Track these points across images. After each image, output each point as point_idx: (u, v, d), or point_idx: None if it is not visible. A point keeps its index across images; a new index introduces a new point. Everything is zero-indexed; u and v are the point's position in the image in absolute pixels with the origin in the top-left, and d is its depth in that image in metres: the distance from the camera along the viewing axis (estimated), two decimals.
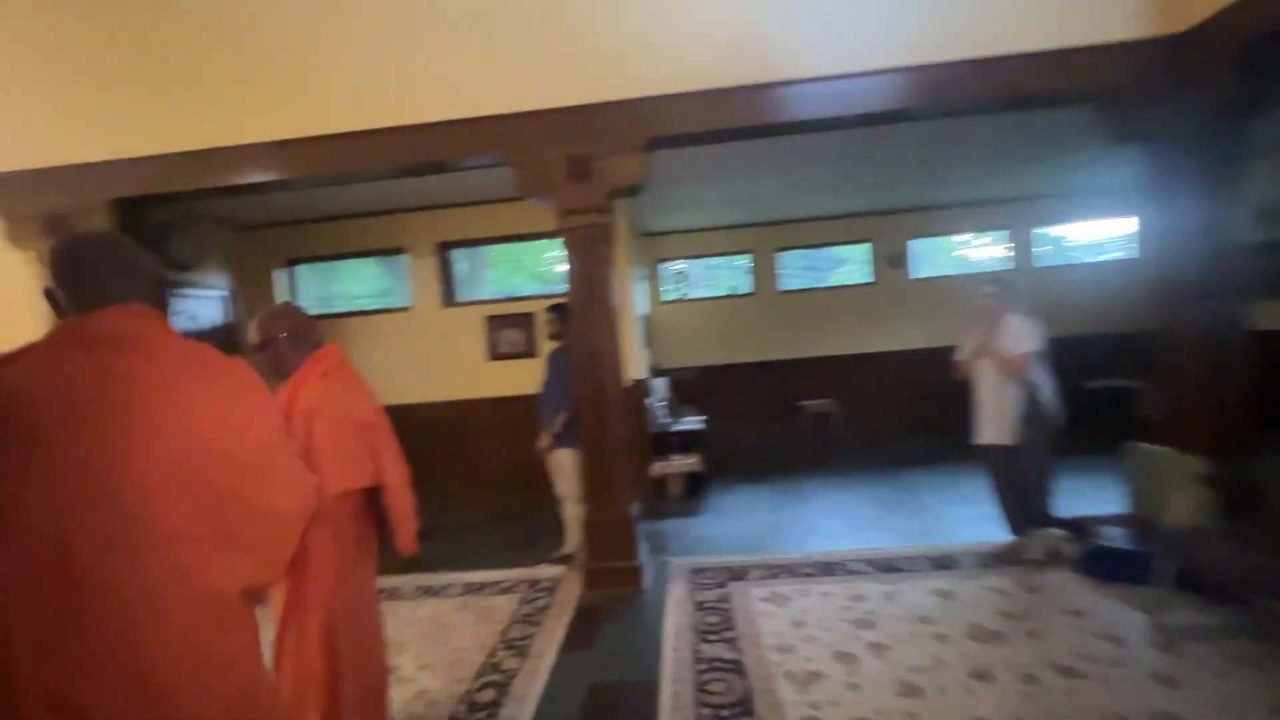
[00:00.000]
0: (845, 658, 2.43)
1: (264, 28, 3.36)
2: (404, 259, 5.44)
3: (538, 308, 4.86)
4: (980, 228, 6.90)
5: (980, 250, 7.40)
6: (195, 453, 0.93)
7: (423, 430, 5.34)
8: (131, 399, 0.92)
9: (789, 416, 6.66)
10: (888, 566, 3.28)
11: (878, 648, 2.48)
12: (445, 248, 5.40)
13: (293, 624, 1.68)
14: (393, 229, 5.34)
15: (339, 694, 1.70)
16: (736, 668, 2.42)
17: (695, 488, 5.07)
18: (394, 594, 3.42)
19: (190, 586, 0.91)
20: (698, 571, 3.43)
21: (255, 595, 1.03)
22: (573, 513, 3.69)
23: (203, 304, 4.91)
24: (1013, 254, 6.72)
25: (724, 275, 7.49)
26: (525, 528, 4.46)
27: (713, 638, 2.67)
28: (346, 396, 1.71)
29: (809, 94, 3.08)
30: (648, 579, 3.32)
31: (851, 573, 3.24)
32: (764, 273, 6.85)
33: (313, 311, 5.46)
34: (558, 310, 3.71)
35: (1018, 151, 4.77)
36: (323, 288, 6.10)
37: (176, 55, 3.42)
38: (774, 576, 3.27)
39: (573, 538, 3.72)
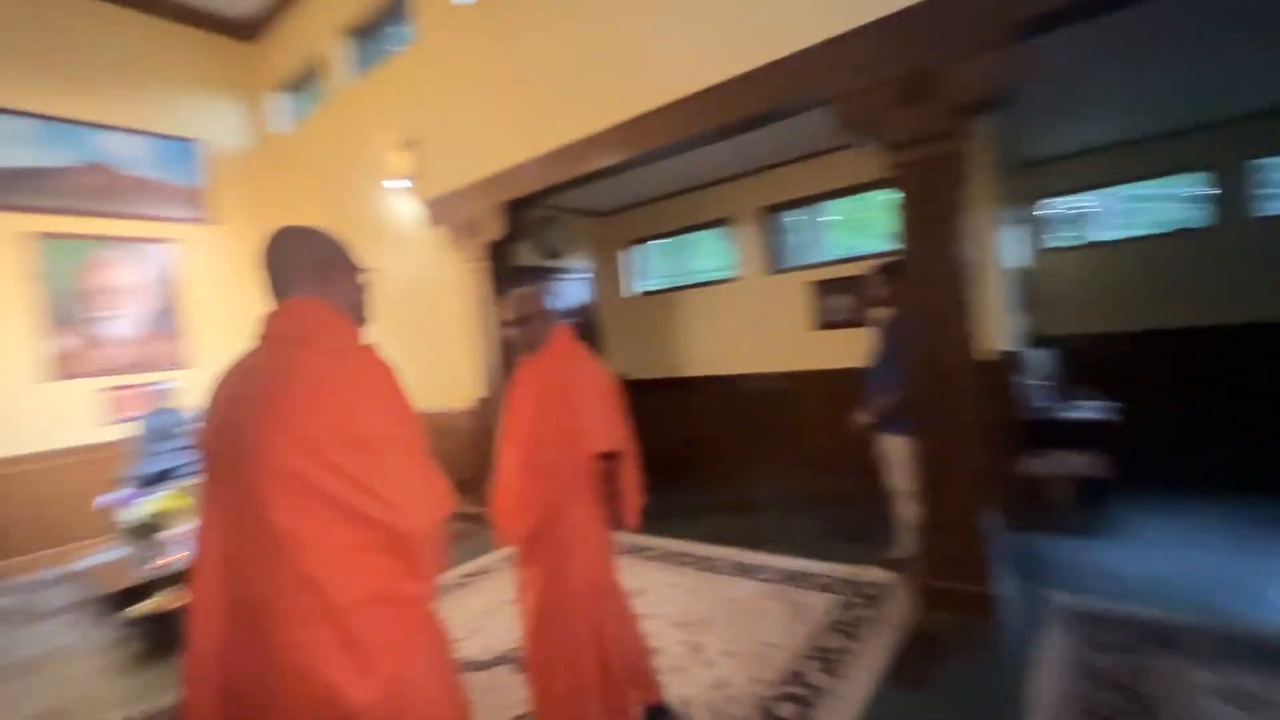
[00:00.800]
0: None
1: (590, 25, 3.63)
2: (731, 229, 5.42)
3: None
4: None
5: None
6: (300, 455, 0.88)
7: (748, 401, 5.33)
8: (266, 400, 0.92)
9: (1264, 409, 4.44)
10: None
11: None
12: (768, 212, 5.18)
13: (556, 606, 1.69)
14: (719, 199, 5.36)
15: (612, 676, 1.69)
16: None
17: (1093, 497, 3.78)
18: (710, 566, 3.43)
19: (307, 596, 0.86)
20: (1092, 619, 2.48)
21: (397, 604, 0.95)
22: (906, 511, 3.10)
23: (571, 286, 5.79)
24: None
25: (1150, 209, 5.39)
26: (851, 516, 4.00)
27: None
28: (593, 368, 1.81)
29: None
30: (1008, 614, 2.55)
31: None
32: (1228, 195, 4.63)
33: (659, 285, 6.02)
34: (888, 271, 3.10)
35: None
36: (675, 263, 6.50)
37: (531, 74, 3.98)
38: (1237, 657, 2.13)
39: (905, 541, 3.13)
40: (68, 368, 4.74)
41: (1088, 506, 3.75)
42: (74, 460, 4.65)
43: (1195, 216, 4.83)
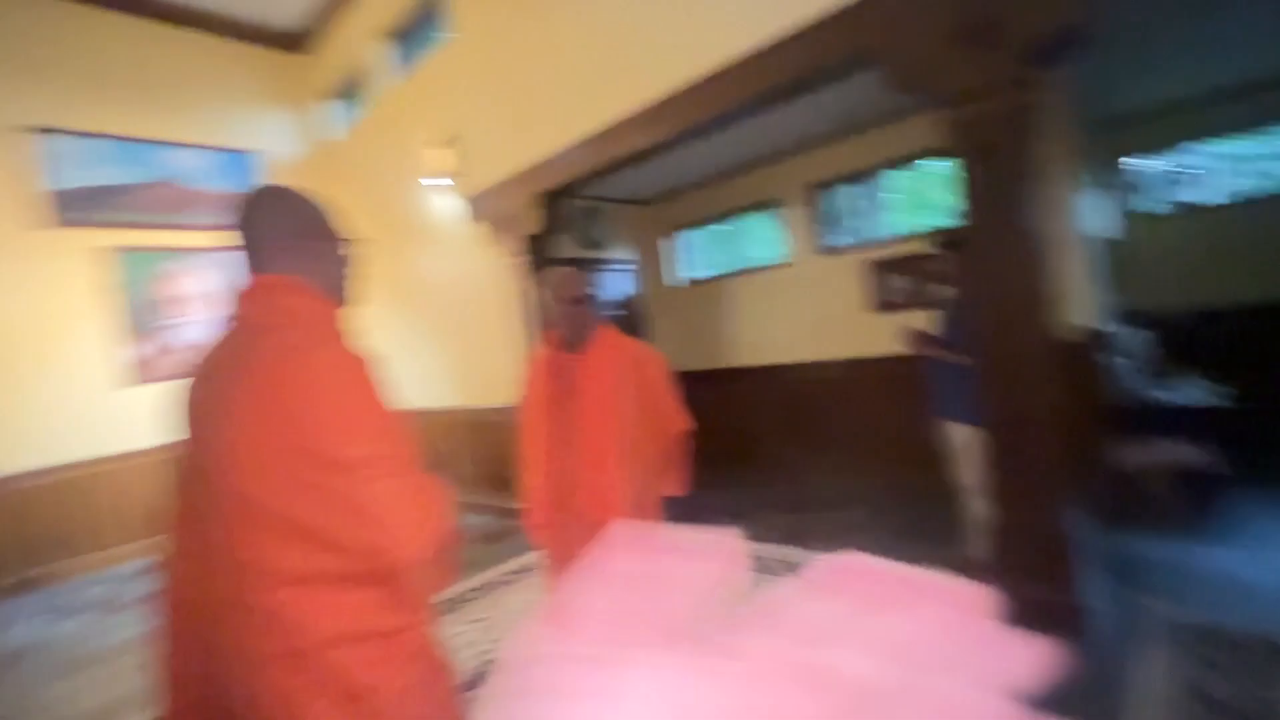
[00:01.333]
0: None
1: (621, 1, 3.48)
2: (780, 210, 5.15)
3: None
4: None
5: None
6: (259, 477, 0.78)
7: (799, 391, 5.06)
8: (225, 408, 0.83)
9: None
10: None
11: None
12: (816, 190, 4.88)
13: None
14: (767, 180, 5.11)
15: None
16: None
17: (1200, 494, 3.32)
18: (759, 565, 3.23)
19: (274, 638, 0.79)
20: (1203, 636, 2.14)
21: (377, 639, 0.85)
22: (976, 509, 2.81)
23: (615, 277, 5.67)
24: None
25: (1268, 166, 4.72)
26: (915, 514, 3.69)
27: None
28: (651, 350, 1.82)
29: None
30: (1098, 626, 2.23)
31: None
32: None
33: (706, 274, 5.81)
34: (951, 244, 2.81)
35: None
36: (722, 250, 6.23)
37: (562, 59, 3.87)
38: None
39: (974, 539, 2.83)
40: (145, 373, 5.03)
41: (1194, 504, 3.30)
42: (153, 460, 4.94)
43: None
